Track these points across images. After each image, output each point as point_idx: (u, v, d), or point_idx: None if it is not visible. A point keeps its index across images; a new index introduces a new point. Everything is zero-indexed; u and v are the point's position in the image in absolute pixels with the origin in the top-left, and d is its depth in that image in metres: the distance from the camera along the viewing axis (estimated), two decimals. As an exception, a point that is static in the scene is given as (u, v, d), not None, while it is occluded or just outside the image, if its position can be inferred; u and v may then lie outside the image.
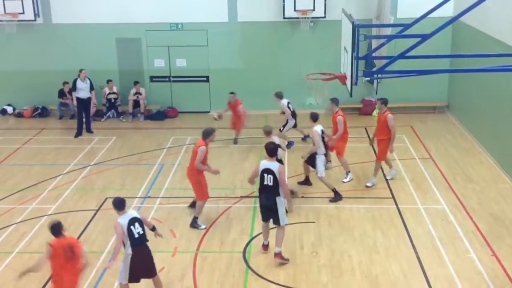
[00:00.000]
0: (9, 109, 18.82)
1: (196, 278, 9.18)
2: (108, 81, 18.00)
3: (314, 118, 11.93)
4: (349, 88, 8.74)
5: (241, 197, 12.15)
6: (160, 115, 18.23)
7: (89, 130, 16.63)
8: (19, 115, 18.60)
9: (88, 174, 13.61)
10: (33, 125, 17.70)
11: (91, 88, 16.41)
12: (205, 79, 18.53)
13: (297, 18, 17.62)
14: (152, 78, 18.61)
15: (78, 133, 16.45)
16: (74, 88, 16.33)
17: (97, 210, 11.62)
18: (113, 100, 18.18)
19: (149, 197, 12.24)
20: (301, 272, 9.32)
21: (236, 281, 9.12)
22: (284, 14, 17.53)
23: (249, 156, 14.65)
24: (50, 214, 11.44)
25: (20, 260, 9.78)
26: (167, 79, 18.58)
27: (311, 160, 11.98)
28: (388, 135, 12.26)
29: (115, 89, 18.19)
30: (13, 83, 18.55)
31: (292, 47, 18.05)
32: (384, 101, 12.30)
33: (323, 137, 11.83)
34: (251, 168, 13.75)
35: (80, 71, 16.24)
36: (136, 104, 18.13)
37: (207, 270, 9.43)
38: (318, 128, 11.78)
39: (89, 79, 16.38)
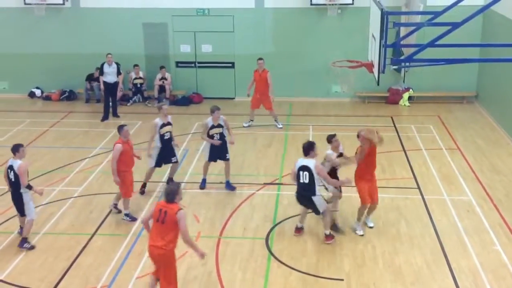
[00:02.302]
0: (38, 92, 19.09)
1: (218, 263, 9.23)
2: (134, 65, 18.10)
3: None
4: (376, 76, 8.62)
5: (264, 183, 12.14)
6: (185, 101, 18.28)
7: (115, 115, 16.77)
8: (47, 98, 18.86)
9: (114, 158, 13.74)
10: (60, 108, 17.92)
11: (118, 72, 16.53)
12: (230, 65, 18.50)
13: (325, 4, 17.47)
14: (178, 64, 18.66)
15: (105, 117, 16.61)
16: (101, 72, 16.47)
17: (122, 194, 11.74)
18: (139, 85, 18.28)
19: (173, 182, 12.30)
20: (323, 260, 9.29)
21: (258, 267, 9.14)
22: (311, 1, 17.39)
23: (272, 142, 14.63)
24: (76, 197, 11.60)
25: (46, 240, 9.96)
26: (193, 64, 18.60)
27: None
28: None
29: (141, 74, 18.29)
30: (42, 66, 18.78)
31: (319, 34, 17.89)
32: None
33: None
34: (275, 154, 13.79)
35: (107, 55, 16.36)
36: (162, 89, 18.20)
37: (229, 255, 9.47)
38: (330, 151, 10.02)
39: (116, 63, 16.49)
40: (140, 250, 9.58)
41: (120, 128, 10.61)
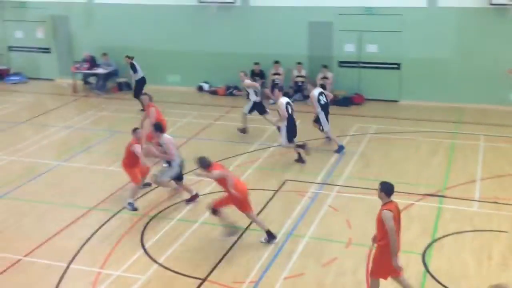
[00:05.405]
0: (205, 86, 20.05)
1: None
2: (298, 63, 18.15)
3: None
4: None
5: (424, 194, 11.38)
6: (346, 101, 17.91)
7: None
8: (214, 92, 19.72)
9: (271, 155, 13.87)
10: (225, 102, 18.58)
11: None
12: (396, 66, 17.74)
13: (506, 5, 15.93)
14: (340, 63, 18.34)
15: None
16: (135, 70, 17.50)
17: (276, 191, 11.77)
18: (300, 83, 18.30)
19: (327, 183, 12.07)
20: (487, 284, 8.39)
21: (412, 283, 8.51)
22: (491, 0, 15.97)
23: (437, 151, 13.70)
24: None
25: (203, 230, 10.31)
26: (356, 64, 18.15)
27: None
28: (385, 239, 7.46)
29: (303, 73, 18.28)
30: (210, 62, 19.56)
31: (498, 37, 16.39)
32: (385, 189, 7.49)
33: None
34: (439, 164, 12.90)
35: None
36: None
37: (381, 267, 8.96)
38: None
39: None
40: (290, 249, 9.49)
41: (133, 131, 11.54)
